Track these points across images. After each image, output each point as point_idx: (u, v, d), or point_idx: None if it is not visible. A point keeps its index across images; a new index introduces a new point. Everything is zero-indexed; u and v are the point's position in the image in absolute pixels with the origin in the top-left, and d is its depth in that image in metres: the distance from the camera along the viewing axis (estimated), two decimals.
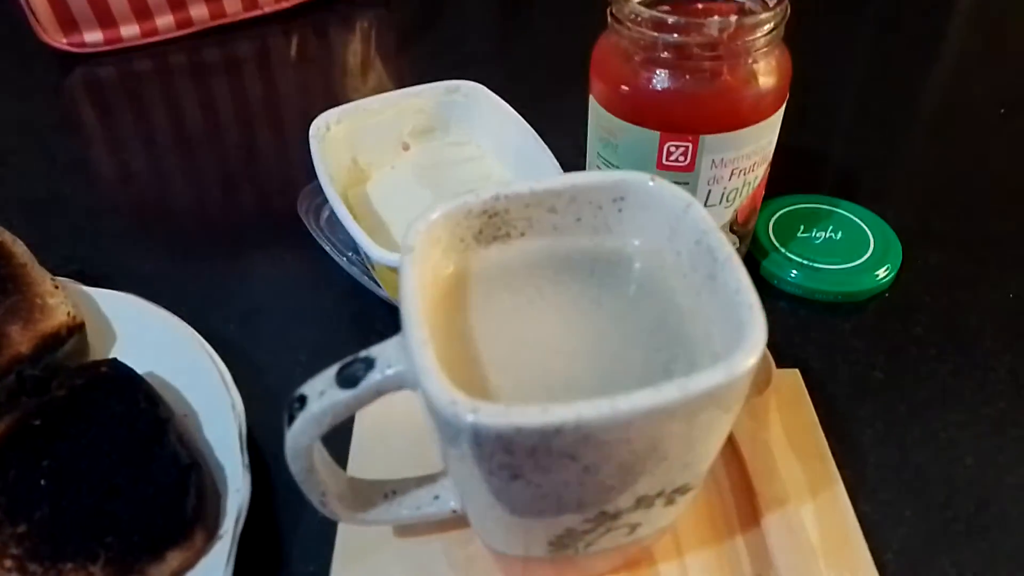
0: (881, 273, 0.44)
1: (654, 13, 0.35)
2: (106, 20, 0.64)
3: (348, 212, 0.43)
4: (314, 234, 0.47)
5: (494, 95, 0.50)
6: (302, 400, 0.24)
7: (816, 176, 0.54)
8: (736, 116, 0.36)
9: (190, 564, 0.30)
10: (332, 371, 0.24)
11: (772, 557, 0.29)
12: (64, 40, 0.64)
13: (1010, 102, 0.61)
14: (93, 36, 0.64)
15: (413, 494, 0.29)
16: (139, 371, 0.36)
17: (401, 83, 0.63)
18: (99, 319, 0.40)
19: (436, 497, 0.29)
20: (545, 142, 0.46)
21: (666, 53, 0.35)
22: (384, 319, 0.43)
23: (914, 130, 0.60)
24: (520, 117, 0.48)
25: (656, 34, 0.35)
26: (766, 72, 0.36)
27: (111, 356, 0.37)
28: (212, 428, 0.35)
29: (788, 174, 0.47)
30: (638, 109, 0.37)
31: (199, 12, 0.66)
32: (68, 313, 0.38)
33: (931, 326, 0.43)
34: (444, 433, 0.21)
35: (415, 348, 0.21)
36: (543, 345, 0.25)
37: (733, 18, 0.34)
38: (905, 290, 0.45)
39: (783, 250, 0.45)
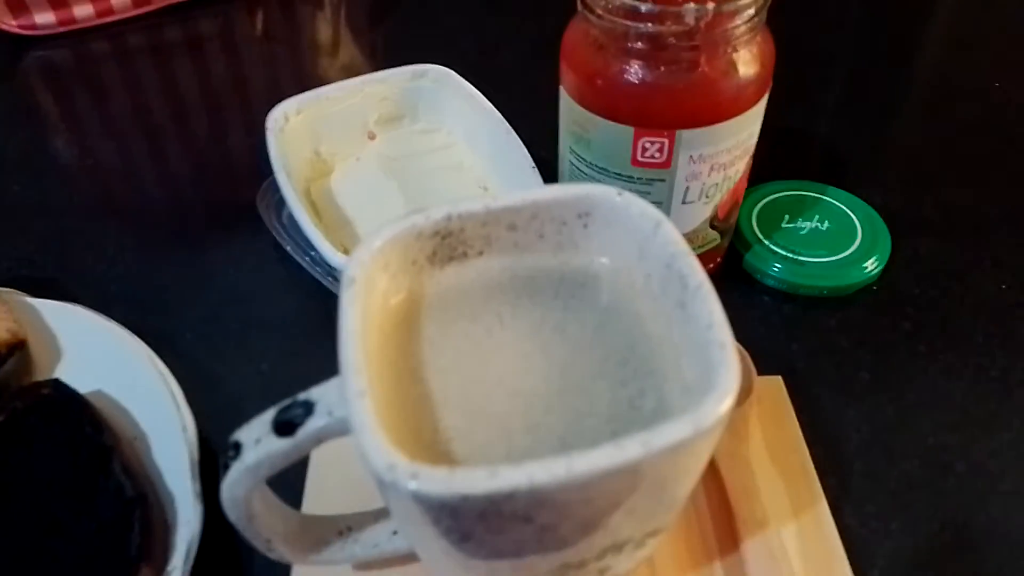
0: (869, 265, 0.42)
1: (626, 0, 0.32)
2: (57, 0, 0.61)
3: (307, 210, 0.40)
4: (275, 233, 0.45)
5: (464, 81, 0.47)
6: (237, 448, 0.22)
7: (802, 160, 0.52)
8: (715, 110, 0.34)
9: None
10: (269, 415, 0.22)
11: None
12: (14, 22, 0.61)
13: (1007, 78, 0.59)
14: (44, 17, 0.61)
15: (370, 531, 0.27)
16: (85, 390, 0.34)
17: (373, 65, 0.60)
18: (43, 333, 0.37)
19: (395, 533, 0.27)
20: (519, 127, 0.44)
21: (640, 43, 0.33)
22: None
23: (904, 110, 0.57)
24: (490, 105, 0.45)
25: (629, 23, 0.32)
26: (747, 61, 0.34)
27: (55, 374, 0.35)
28: (163, 453, 0.33)
29: (772, 158, 0.44)
30: (611, 103, 0.34)
31: None
32: (8, 330, 0.36)
33: (920, 321, 0.41)
34: (386, 495, 0.19)
35: (351, 400, 0.19)
36: (502, 383, 0.23)
37: (711, 5, 0.32)
38: (893, 283, 0.43)
39: (767, 242, 0.43)
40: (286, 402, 0.22)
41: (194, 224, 0.48)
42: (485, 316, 0.25)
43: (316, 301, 0.42)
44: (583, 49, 0.35)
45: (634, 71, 0.33)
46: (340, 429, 0.22)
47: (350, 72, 0.59)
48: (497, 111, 0.45)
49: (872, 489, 0.34)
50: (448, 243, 0.25)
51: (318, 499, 0.31)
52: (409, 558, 0.29)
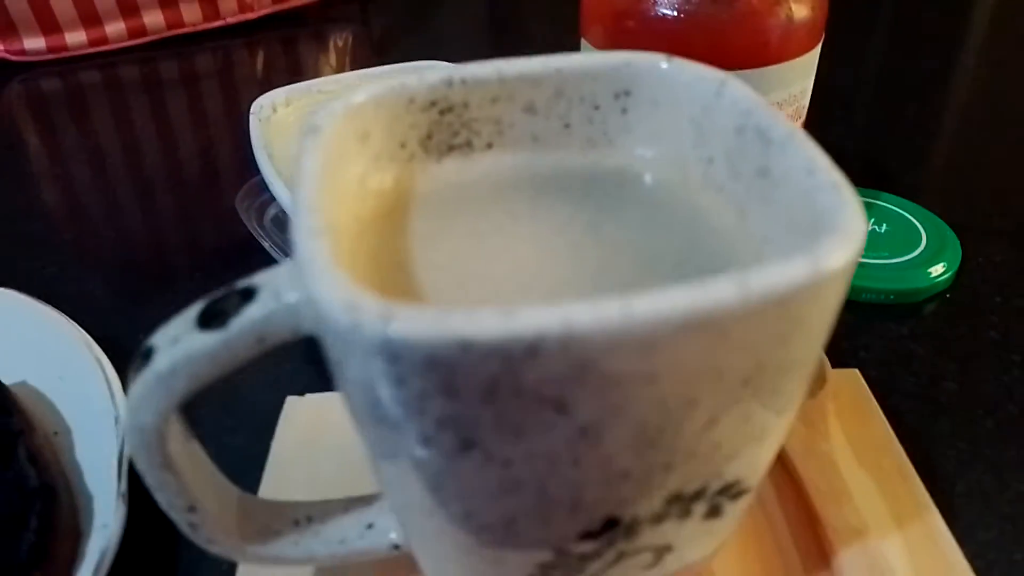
0: (938, 269, 0.36)
1: None
2: (49, 25, 0.58)
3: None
4: (257, 236, 0.39)
5: None
6: (148, 354, 0.16)
7: (847, 169, 0.46)
8: (762, 50, 0.29)
9: None
10: (194, 309, 0.16)
11: None
12: (1, 47, 0.57)
13: None
14: (34, 43, 0.58)
15: (337, 522, 0.20)
16: (8, 381, 0.28)
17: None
18: None
19: (369, 527, 0.20)
20: None
21: None
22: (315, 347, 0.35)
23: (953, 117, 0.53)
24: None
25: None
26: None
27: None
28: (88, 450, 0.27)
29: None
30: (642, 44, 0.30)
31: (154, 20, 0.60)
32: None
33: (1008, 330, 0.35)
34: (351, 373, 0.13)
35: (302, 239, 0.13)
36: (515, 280, 0.17)
37: None
38: (970, 289, 0.37)
39: None
40: (217, 292, 0.16)
41: (170, 233, 0.43)
42: (494, 213, 0.19)
43: None
44: None
45: (668, 3, 0.29)
46: (290, 323, 0.15)
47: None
48: None
49: (983, 512, 0.27)
50: (448, 123, 0.19)
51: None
52: (388, 567, 0.21)
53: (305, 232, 0.13)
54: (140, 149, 0.51)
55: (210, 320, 0.15)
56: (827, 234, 0.13)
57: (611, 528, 0.15)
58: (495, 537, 0.15)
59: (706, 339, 0.12)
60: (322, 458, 0.26)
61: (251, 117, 0.39)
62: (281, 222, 0.40)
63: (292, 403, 0.28)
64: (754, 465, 0.16)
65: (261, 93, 0.40)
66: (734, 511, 0.17)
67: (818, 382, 0.27)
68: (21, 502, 0.23)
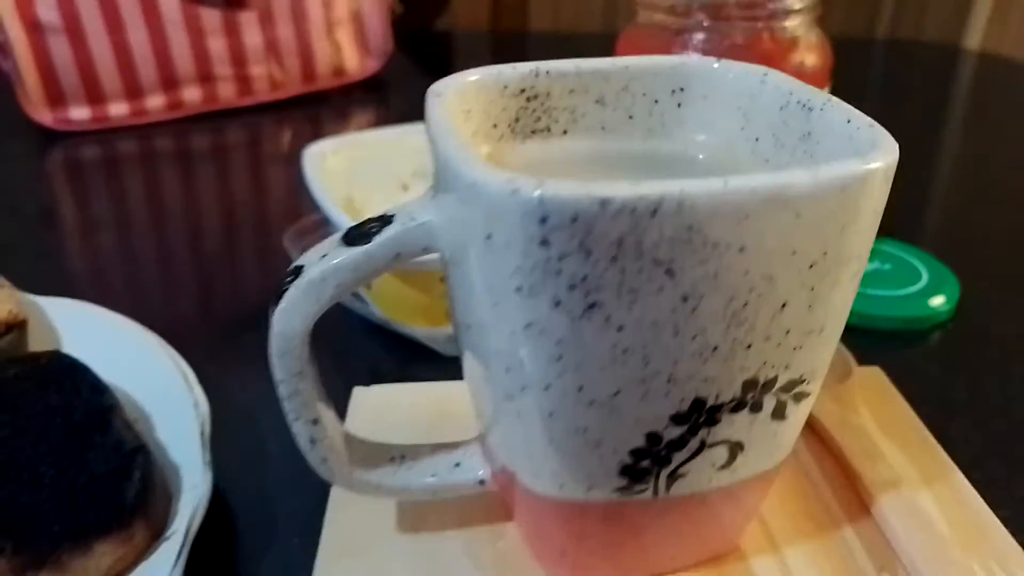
0: (939, 301, 0.40)
1: None
2: (95, 96, 0.62)
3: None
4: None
5: None
6: (297, 271, 0.18)
7: None
8: None
9: (128, 564, 0.23)
10: (337, 236, 0.19)
11: (896, 546, 0.23)
12: (50, 115, 0.61)
13: None
14: (80, 113, 0.62)
15: (428, 460, 0.22)
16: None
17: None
18: (44, 326, 0.33)
19: (457, 465, 0.22)
20: None
21: (703, 16, 0.33)
22: (376, 342, 0.37)
23: (947, 166, 0.58)
24: None
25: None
26: (808, 47, 0.34)
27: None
28: (169, 429, 0.28)
29: None
30: None
31: (192, 95, 0.65)
32: (8, 311, 0.32)
33: (1009, 349, 0.38)
34: (501, 243, 0.16)
35: (452, 149, 0.16)
36: None
37: None
38: (970, 317, 0.40)
39: None
40: (356, 222, 0.19)
41: (218, 282, 0.46)
42: None
43: (340, 321, 0.39)
44: (643, 42, 0.35)
45: (697, 44, 0.33)
46: (422, 240, 0.18)
47: None
48: None
49: (997, 496, 0.29)
50: (532, 109, 0.23)
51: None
52: (472, 510, 0.23)
53: (454, 145, 0.17)
54: (184, 211, 0.54)
55: (355, 239, 0.18)
56: (871, 149, 0.17)
57: (697, 411, 0.17)
58: (599, 416, 0.17)
59: (784, 217, 0.15)
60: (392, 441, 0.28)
61: (305, 163, 0.42)
62: None
63: (359, 394, 0.30)
64: (814, 364, 0.18)
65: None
66: (796, 415, 0.19)
67: (844, 372, 0.30)
68: (122, 460, 0.25)
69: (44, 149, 0.62)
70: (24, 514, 0.23)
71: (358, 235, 0.18)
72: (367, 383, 0.31)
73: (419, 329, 0.36)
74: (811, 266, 0.16)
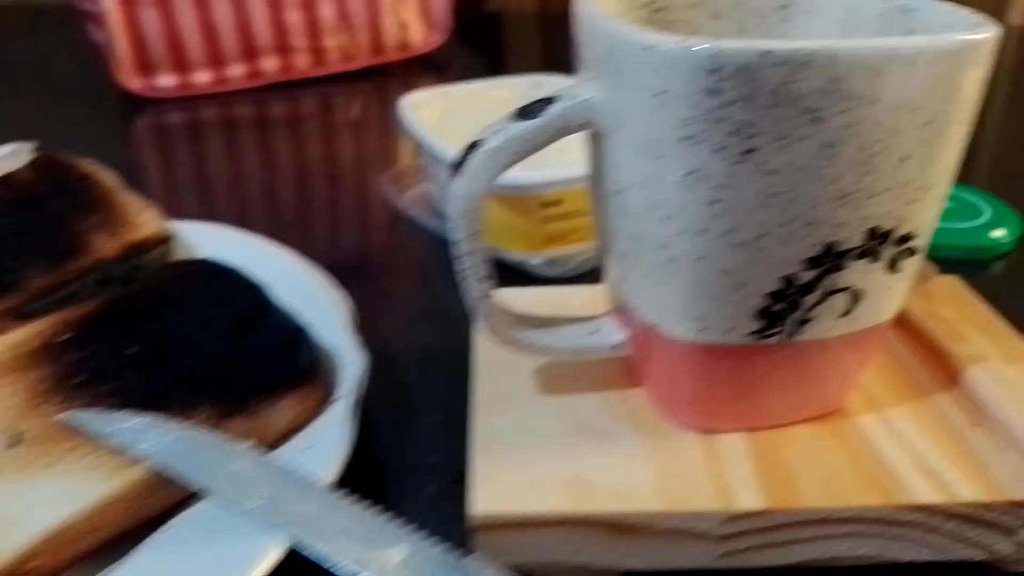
0: (1001, 233, 0.43)
1: None
2: (181, 65, 0.66)
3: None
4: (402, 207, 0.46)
5: None
6: (474, 145, 0.22)
7: None
8: None
9: (302, 422, 0.26)
10: (510, 113, 0.22)
11: (987, 404, 0.26)
12: (140, 82, 0.65)
13: None
14: (167, 80, 0.66)
15: (568, 327, 0.26)
16: None
17: None
18: (185, 244, 0.37)
19: (593, 332, 0.26)
20: None
21: None
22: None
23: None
24: None
25: None
26: None
27: None
28: (316, 321, 0.32)
29: None
30: None
31: (270, 64, 0.69)
32: (159, 228, 0.35)
33: None
34: (674, 95, 0.19)
35: (619, 25, 0.20)
36: None
37: None
38: None
39: None
40: (524, 104, 0.22)
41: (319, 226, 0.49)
42: None
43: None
44: None
45: None
46: (584, 115, 0.21)
47: None
48: None
49: None
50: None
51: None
52: (606, 374, 0.27)
53: (621, 23, 0.20)
54: (286, 164, 0.58)
55: (526, 114, 0.22)
56: (976, 28, 0.20)
57: (828, 255, 0.21)
58: (744, 259, 0.20)
59: (910, 74, 0.18)
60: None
61: (403, 110, 0.46)
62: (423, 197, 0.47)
63: None
64: (924, 220, 0.21)
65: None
66: (907, 270, 0.22)
67: (927, 277, 0.33)
68: (288, 336, 0.28)
69: (133, 114, 0.66)
70: (218, 376, 0.27)
71: (528, 111, 0.22)
72: None
73: (518, 254, 0.39)
74: (928, 123, 0.19)
